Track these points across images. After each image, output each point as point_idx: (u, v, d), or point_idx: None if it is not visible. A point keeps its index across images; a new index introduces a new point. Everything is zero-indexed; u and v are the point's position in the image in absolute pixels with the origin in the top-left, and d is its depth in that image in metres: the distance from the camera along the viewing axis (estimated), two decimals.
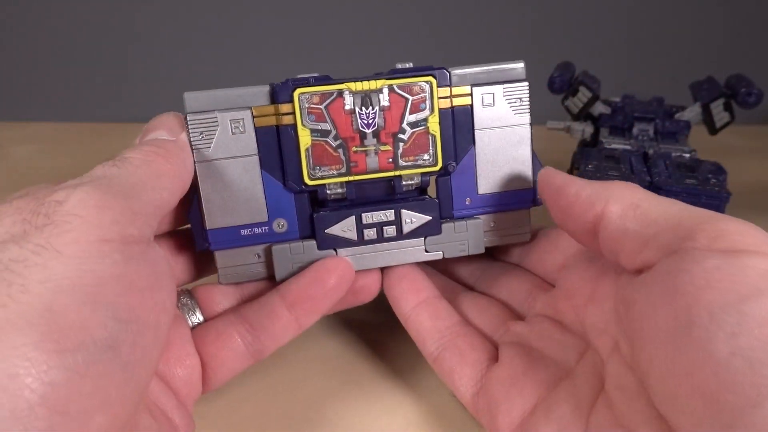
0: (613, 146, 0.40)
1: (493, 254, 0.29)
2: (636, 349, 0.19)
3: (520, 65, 0.25)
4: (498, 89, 0.25)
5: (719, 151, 0.43)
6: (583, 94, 0.41)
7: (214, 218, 0.24)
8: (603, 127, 0.42)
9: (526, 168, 0.26)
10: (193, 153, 0.23)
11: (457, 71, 0.25)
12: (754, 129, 0.59)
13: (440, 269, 0.30)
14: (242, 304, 0.26)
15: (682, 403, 0.16)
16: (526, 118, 0.26)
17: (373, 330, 0.31)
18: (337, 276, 0.25)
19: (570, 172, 0.42)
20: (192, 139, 0.23)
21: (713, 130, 0.41)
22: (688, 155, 0.39)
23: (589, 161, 0.38)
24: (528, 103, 0.26)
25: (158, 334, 0.18)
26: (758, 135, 0.59)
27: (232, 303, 0.26)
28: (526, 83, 0.25)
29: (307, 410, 0.26)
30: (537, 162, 0.26)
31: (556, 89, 0.43)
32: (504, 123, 0.25)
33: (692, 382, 0.15)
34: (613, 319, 0.21)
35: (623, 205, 0.21)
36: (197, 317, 0.25)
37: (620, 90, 0.44)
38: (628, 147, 0.40)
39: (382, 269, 0.27)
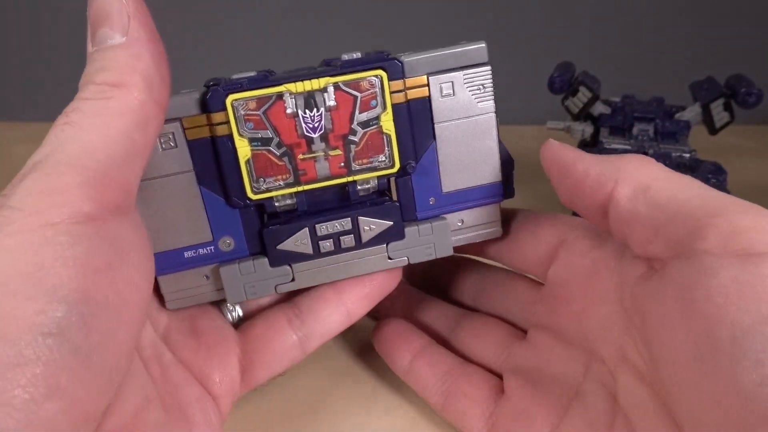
0: (613, 146, 0.40)
1: (467, 251, 0.27)
2: (655, 367, 0.18)
3: (481, 45, 0.22)
4: (458, 76, 0.22)
5: (719, 151, 0.43)
6: (583, 94, 0.41)
7: (154, 242, 0.22)
8: (603, 127, 0.42)
9: (493, 160, 0.24)
10: None
11: (409, 59, 0.22)
12: (754, 129, 0.59)
13: (437, 289, 0.30)
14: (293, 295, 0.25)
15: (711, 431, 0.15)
16: (491, 106, 0.23)
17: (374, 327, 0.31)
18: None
19: None
20: None
21: (713, 130, 0.41)
22: (688, 155, 0.39)
23: None
24: (492, 88, 0.23)
25: (124, 313, 0.16)
26: (758, 135, 0.59)
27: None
28: (489, 67, 0.23)
29: (308, 410, 0.26)
30: (504, 151, 0.24)
31: (556, 89, 0.43)
32: (466, 114, 0.23)
33: (720, 412, 0.15)
34: (616, 323, 0.20)
35: (633, 186, 0.19)
36: (237, 312, 0.25)
37: (620, 90, 0.44)
38: (628, 147, 0.40)
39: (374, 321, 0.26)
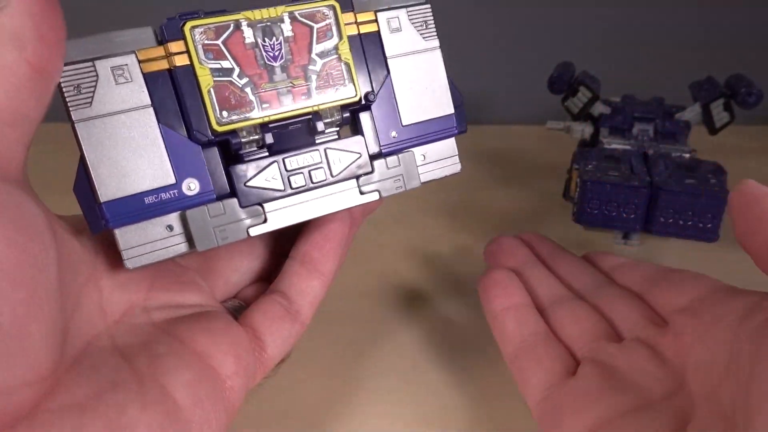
0: (613, 146, 0.40)
1: (613, 279, 0.29)
2: (747, 415, 0.17)
3: None
4: (402, 13, 0.24)
5: (719, 151, 0.43)
6: (583, 94, 0.41)
7: (108, 188, 0.20)
8: (603, 127, 0.42)
9: (444, 93, 0.25)
10: (69, 113, 0.20)
11: None
12: (754, 129, 0.59)
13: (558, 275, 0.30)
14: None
15: None
16: (435, 42, 0.25)
17: (375, 326, 0.31)
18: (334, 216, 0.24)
19: (570, 172, 0.42)
20: (66, 96, 0.20)
21: (713, 130, 0.41)
22: (688, 155, 0.39)
23: (589, 161, 0.38)
24: (434, 26, 0.25)
25: (13, 277, 0.15)
26: (758, 135, 0.59)
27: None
28: (429, 5, 0.24)
29: (308, 410, 0.26)
30: (454, 88, 0.26)
31: (556, 89, 0.43)
32: (414, 48, 0.25)
33: None
34: (721, 363, 0.20)
35: None
36: (236, 301, 0.25)
37: (620, 90, 0.44)
38: (628, 147, 0.40)
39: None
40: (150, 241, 0.21)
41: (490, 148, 0.54)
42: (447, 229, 0.42)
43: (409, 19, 0.24)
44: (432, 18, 0.25)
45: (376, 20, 0.24)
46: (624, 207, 0.35)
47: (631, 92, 0.43)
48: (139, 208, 0.21)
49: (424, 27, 0.25)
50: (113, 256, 0.21)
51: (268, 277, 0.27)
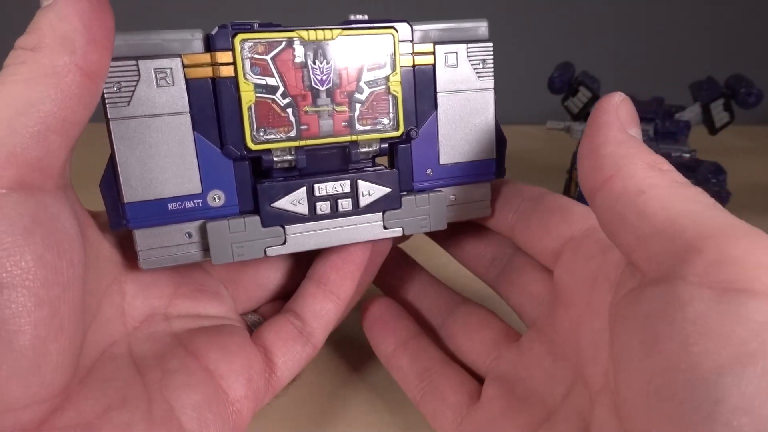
0: None
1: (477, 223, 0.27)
2: (618, 401, 0.16)
3: (484, 24, 0.23)
4: (461, 48, 0.23)
5: (719, 151, 0.43)
6: (583, 94, 0.42)
7: (134, 189, 0.20)
8: None
9: (489, 137, 0.24)
10: (106, 110, 0.19)
11: (419, 26, 0.22)
12: (754, 129, 0.59)
13: (459, 257, 0.28)
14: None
15: None
16: (491, 83, 0.23)
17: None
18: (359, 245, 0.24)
19: (570, 172, 0.42)
20: (106, 92, 0.19)
21: (713, 130, 0.41)
22: (688, 155, 0.39)
23: None
24: (492, 66, 0.23)
25: (31, 291, 0.15)
26: (758, 135, 0.59)
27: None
28: (491, 44, 0.23)
29: (308, 409, 0.26)
30: (500, 131, 0.24)
31: (556, 89, 0.43)
32: (467, 86, 0.23)
33: None
34: (606, 342, 0.18)
35: (626, 184, 0.17)
36: (255, 317, 0.25)
37: (620, 90, 0.44)
38: None
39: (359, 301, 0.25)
40: (167, 245, 0.21)
41: None
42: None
43: (468, 56, 0.23)
44: (492, 57, 0.23)
45: (433, 52, 0.23)
46: None
47: (631, 92, 0.43)
48: (162, 213, 0.21)
49: (482, 66, 0.23)
50: (136, 259, 0.21)
51: (291, 295, 0.26)
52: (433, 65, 0.23)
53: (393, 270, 0.27)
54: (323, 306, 0.24)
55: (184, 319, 0.22)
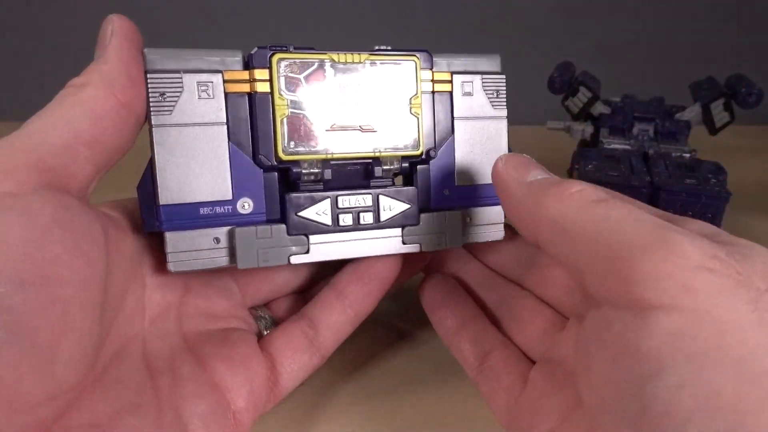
0: (613, 146, 0.40)
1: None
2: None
3: (497, 58, 0.25)
4: (477, 79, 0.25)
5: (719, 151, 0.43)
6: (583, 94, 0.42)
7: (170, 192, 0.21)
8: (603, 127, 0.42)
9: None
10: (150, 117, 0.21)
11: (438, 57, 0.25)
12: (754, 129, 0.59)
13: (482, 258, 0.29)
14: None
15: None
16: (504, 112, 0.26)
17: (375, 324, 0.31)
18: (384, 259, 0.25)
19: (570, 171, 0.42)
20: (151, 100, 0.21)
21: (713, 130, 0.41)
22: (688, 155, 0.39)
23: (589, 161, 0.38)
24: (505, 96, 0.26)
25: (51, 290, 0.16)
26: (758, 135, 0.59)
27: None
28: (503, 76, 0.25)
29: (308, 409, 0.26)
30: None
31: (556, 89, 0.43)
32: (482, 114, 0.25)
33: None
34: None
35: (545, 222, 0.18)
36: (267, 319, 0.25)
37: (620, 90, 0.44)
38: (628, 147, 0.40)
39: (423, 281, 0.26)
40: (196, 249, 0.22)
41: None
42: None
43: (483, 86, 0.25)
44: (504, 88, 0.26)
45: (451, 81, 0.25)
46: None
47: (631, 92, 0.43)
48: (194, 216, 0.22)
49: (495, 96, 0.25)
50: (158, 257, 0.22)
51: (302, 292, 0.27)
52: (451, 92, 0.25)
53: (447, 253, 0.28)
54: (339, 319, 0.24)
55: (194, 318, 0.23)
